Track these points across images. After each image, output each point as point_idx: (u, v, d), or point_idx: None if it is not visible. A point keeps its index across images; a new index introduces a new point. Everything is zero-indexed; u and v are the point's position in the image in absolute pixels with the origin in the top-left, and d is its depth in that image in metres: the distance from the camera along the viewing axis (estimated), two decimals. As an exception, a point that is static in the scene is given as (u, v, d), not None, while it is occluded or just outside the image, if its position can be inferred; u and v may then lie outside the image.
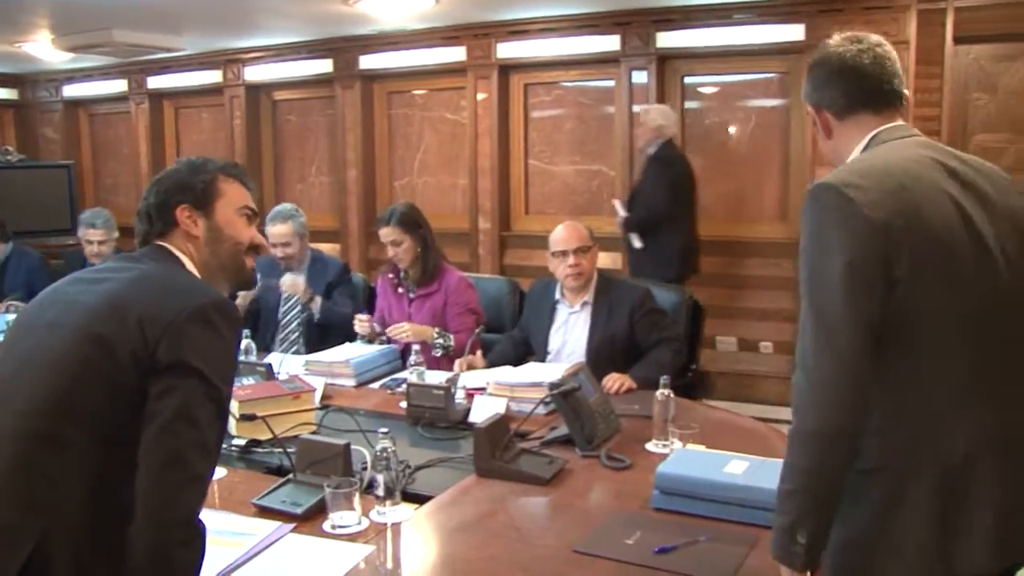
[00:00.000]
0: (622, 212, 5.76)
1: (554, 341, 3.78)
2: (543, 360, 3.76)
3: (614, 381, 3.37)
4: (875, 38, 1.81)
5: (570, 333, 3.76)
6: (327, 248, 6.45)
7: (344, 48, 7.40)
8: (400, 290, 4.12)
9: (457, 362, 3.65)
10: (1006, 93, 5.76)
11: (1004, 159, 5.75)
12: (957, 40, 5.68)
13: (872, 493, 1.66)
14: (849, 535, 1.68)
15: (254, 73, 7.90)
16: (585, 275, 3.68)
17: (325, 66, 7.55)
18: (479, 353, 3.81)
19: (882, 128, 1.77)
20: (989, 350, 1.65)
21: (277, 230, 4.33)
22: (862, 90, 1.78)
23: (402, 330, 3.86)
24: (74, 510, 1.58)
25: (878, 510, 1.65)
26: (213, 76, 8.11)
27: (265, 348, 4.16)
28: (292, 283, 4.26)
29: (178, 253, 1.90)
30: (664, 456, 2.54)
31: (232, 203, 2.00)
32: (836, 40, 1.82)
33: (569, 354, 3.69)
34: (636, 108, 6.42)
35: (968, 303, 1.63)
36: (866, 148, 1.77)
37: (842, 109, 1.81)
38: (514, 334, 3.98)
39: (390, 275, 4.18)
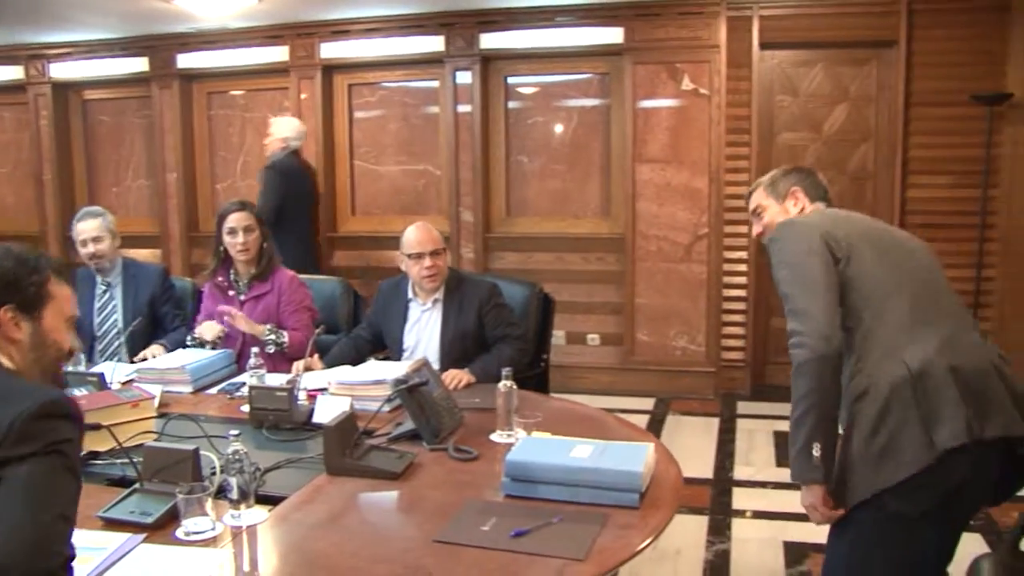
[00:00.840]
0: None
1: (409, 339, 3.84)
2: (399, 358, 3.82)
3: (453, 377, 3.46)
4: None
5: (423, 330, 3.83)
6: (146, 255, 6.27)
7: (160, 46, 7.16)
8: (231, 292, 4.07)
9: (295, 364, 3.65)
10: (806, 96, 6.22)
11: (806, 157, 6.20)
12: (763, 46, 6.10)
13: (867, 411, 2.24)
14: (857, 450, 2.25)
15: (61, 70, 7.51)
16: (440, 276, 3.77)
17: (140, 64, 7.28)
18: (316, 356, 3.81)
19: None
20: (916, 294, 2.34)
21: (86, 225, 4.21)
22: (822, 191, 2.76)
23: (236, 318, 3.85)
24: None
25: (875, 423, 2.22)
26: (14, 72, 7.64)
27: (88, 360, 4.01)
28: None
29: None
30: (509, 446, 2.64)
31: (61, 310, 1.93)
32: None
33: (424, 351, 3.76)
34: (461, 108, 6.56)
35: (892, 271, 2.37)
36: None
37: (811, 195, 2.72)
38: (360, 333, 4.01)
39: (219, 278, 4.10)
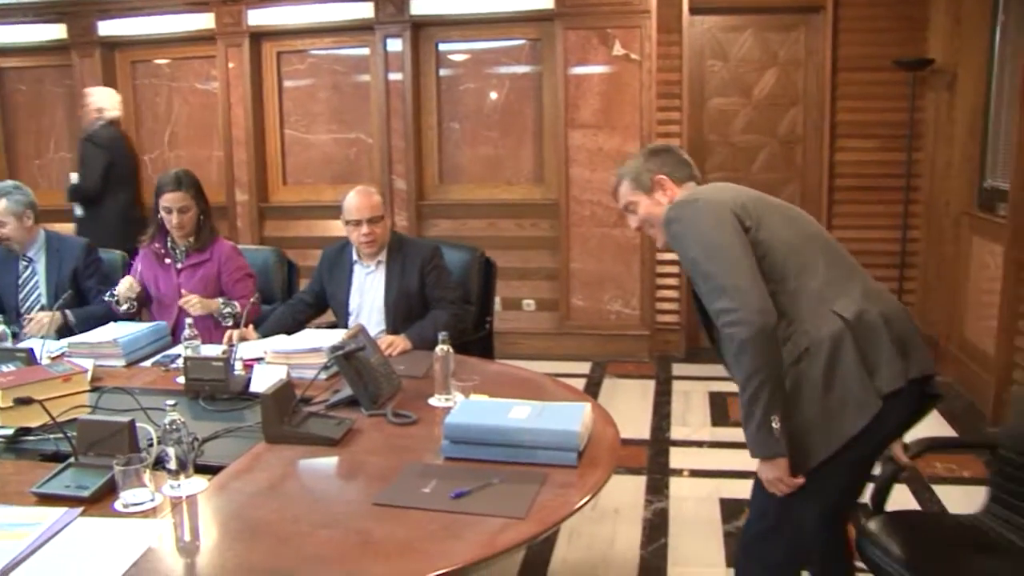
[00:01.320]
0: (73, 180, 6.24)
1: (354, 301, 3.87)
2: (345, 322, 3.84)
3: (388, 344, 3.47)
4: None
5: (367, 292, 3.86)
6: (72, 229, 6.10)
7: (79, 12, 6.94)
8: (167, 260, 4.01)
9: (227, 335, 3.62)
10: (736, 61, 6.28)
11: (737, 121, 6.27)
12: (693, 11, 6.15)
13: (813, 371, 2.26)
14: (810, 412, 2.27)
15: (-28, 37, 7.23)
16: (378, 242, 3.79)
17: (58, 31, 7.04)
18: (251, 326, 3.78)
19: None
20: (826, 251, 2.42)
21: None
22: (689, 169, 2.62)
23: (191, 303, 3.78)
24: None
25: (825, 380, 2.25)
26: (-80, 38, 7.34)
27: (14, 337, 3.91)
28: (37, 321, 3.94)
29: None
30: (448, 409, 2.66)
31: None
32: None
33: (368, 312, 3.81)
34: (392, 76, 6.51)
35: (799, 233, 2.42)
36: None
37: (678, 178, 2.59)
38: (302, 298, 4.02)
39: (155, 245, 4.04)
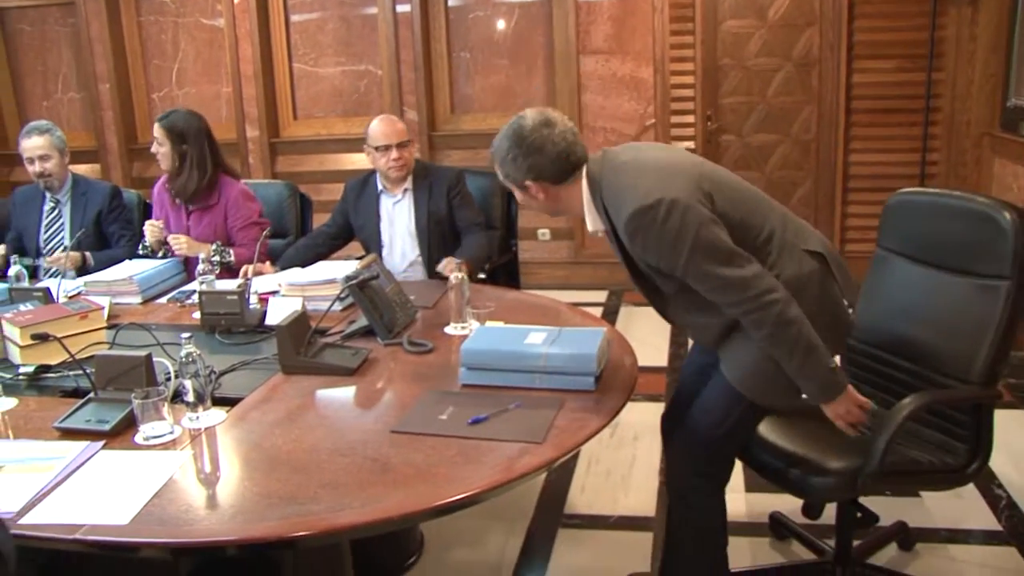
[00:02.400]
0: None
1: (384, 229, 3.86)
2: (380, 253, 3.82)
3: (451, 267, 3.37)
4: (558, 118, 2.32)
5: (396, 222, 3.85)
6: (85, 170, 6.09)
7: (82, -51, 6.85)
8: (177, 201, 3.99)
9: (243, 268, 3.60)
10: (749, -19, 6.14)
11: (751, 44, 6.16)
12: (705, -70, 5.98)
13: (804, 309, 2.21)
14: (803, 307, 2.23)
15: (-26, -22, 7.14)
16: (408, 167, 3.79)
17: (60, -30, 6.95)
18: (268, 261, 3.77)
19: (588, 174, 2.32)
20: (765, 200, 2.39)
21: (33, 143, 4.10)
22: (568, 163, 2.29)
23: (179, 242, 3.78)
24: None
25: (816, 311, 2.25)
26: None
27: (33, 276, 3.93)
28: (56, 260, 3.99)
29: None
30: (464, 337, 2.65)
31: None
32: (531, 124, 2.28)
33: (401, 242, 3.83)
34: (400, 7, 6.41)
35: (738, 187, 2.35)
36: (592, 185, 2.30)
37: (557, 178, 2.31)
38: (323, 230, 3.98)
39: (167, 184, 4.02)
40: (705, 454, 2.46)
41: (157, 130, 3.87)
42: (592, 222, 2.34)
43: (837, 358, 2.41)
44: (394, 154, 3.71)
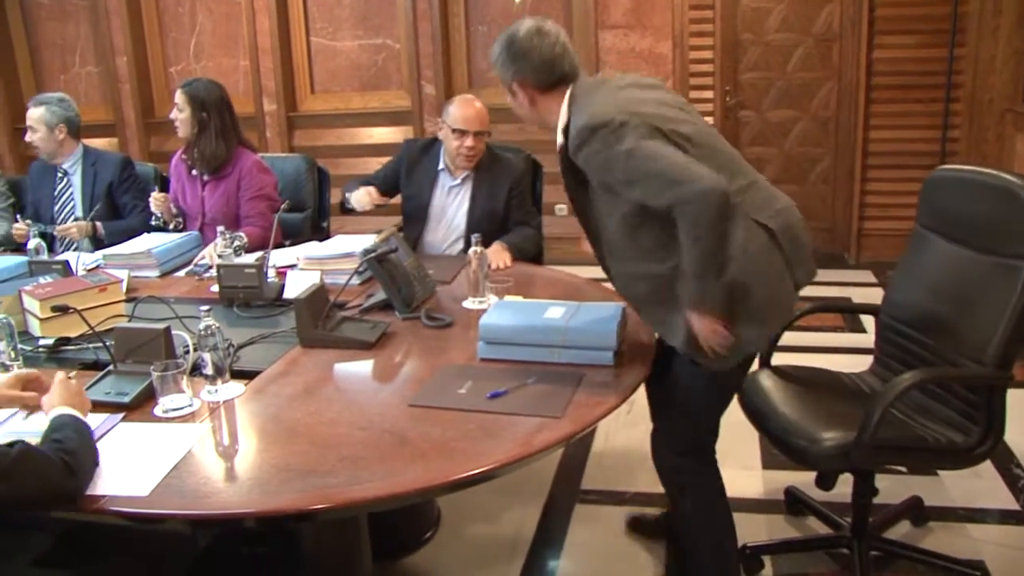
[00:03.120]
0: None
1: (434, 209, 3.77)
2: (423, 224, 3.77)
3: (498, 256, 3.41)
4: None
5: (450, 205, 3.76)
6: (103, 143, 6.11)
7: (100, -79, 6.83)
8: (194, 172, 3.98)
9: (361, 191, 3.65)
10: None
11: (771, 19, 6.10)
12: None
13: (750, 247, 2.22)
14: (735, 276, 2.19)
15: (-10, -52, 7.14)
16: (477, 158, 3.68)
17: (78, -58, 6.95)
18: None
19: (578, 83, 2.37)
20: (748, 180, 2.33)
21: (28, 113, 4.20)
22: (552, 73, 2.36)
23: (67, 230, 3.97)
24: None
25: (755, 256, 2.22)
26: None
27: (50, 249, 3.94)
28: (66, 229, 4.07)
29: None
30: (482, 311, 2.64)
31: None
32: (525, 31, 2.36)
33: (449, 223, 3.74)
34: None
35: (716, 157, 2.26)
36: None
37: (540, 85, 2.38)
38: (370, 183, 3.81)
39: (183, 155, 4.02)
40: (678, 433, 2.54)
41: (179, 96, 3.88)
42: (560, 137, 2.37)
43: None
44: (469, 142, 3.60)
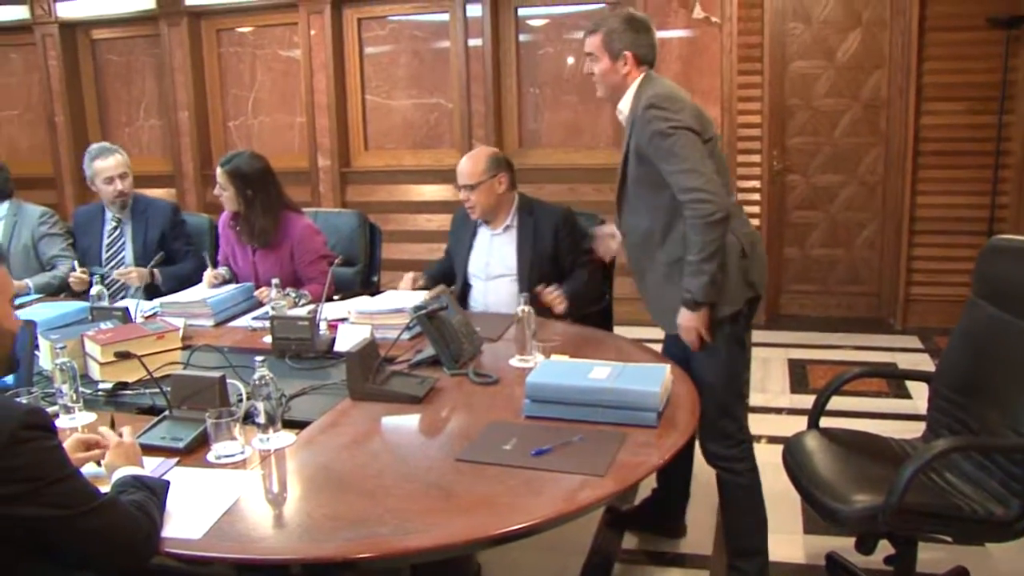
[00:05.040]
0: None
1: (474, 263, 3.83)
2: (464, 282, 3.84)
3: (553, 298, 3.52)
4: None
5: (494, 254, 3.80)
6: (161, 194, 6.28)
7: (167, -17, 7.10)
8: (244, 238, 4.02)
9: (405, 277, 3.74)
10: (818, 23, 6.15)
11: (819, 85, 6.16)
12: (774, -28, 6.00)
13: (731, 258, 2.85)
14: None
15: (68, 9, 7.43)
16: (479, 209, 3.72)
17: (147, 2, 7.20)
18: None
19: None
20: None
21: (112, 161, 4.23)
22: (653, 55, 2.98)
23: (128, 275, 4.05)
24: None
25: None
26: (20, 12, 7.55)
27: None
28: (126, 274, 4.16)
29: None
30: (529, 370, 2.68)
31: (5, 291, 1.95)
32: (641, 15, 3.01)
33: (498, 275, 3.77)
34: (472, 42, 6.53)
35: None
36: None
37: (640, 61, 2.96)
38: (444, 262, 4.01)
39: (231, 222, 4.07)
40: (724, 425, 2.98)
41: (220, 176, 3.88)
42: (628, 108, 2.95)
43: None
44: (462, 195, 3.72)
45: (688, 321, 2.86)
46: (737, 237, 2.85)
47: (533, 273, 3.69)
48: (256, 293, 3.84)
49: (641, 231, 3.00)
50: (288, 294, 3.51)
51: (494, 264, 3.80)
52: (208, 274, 3.95)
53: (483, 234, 3.85)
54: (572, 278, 3.69)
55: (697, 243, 2.75)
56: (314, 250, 3.99)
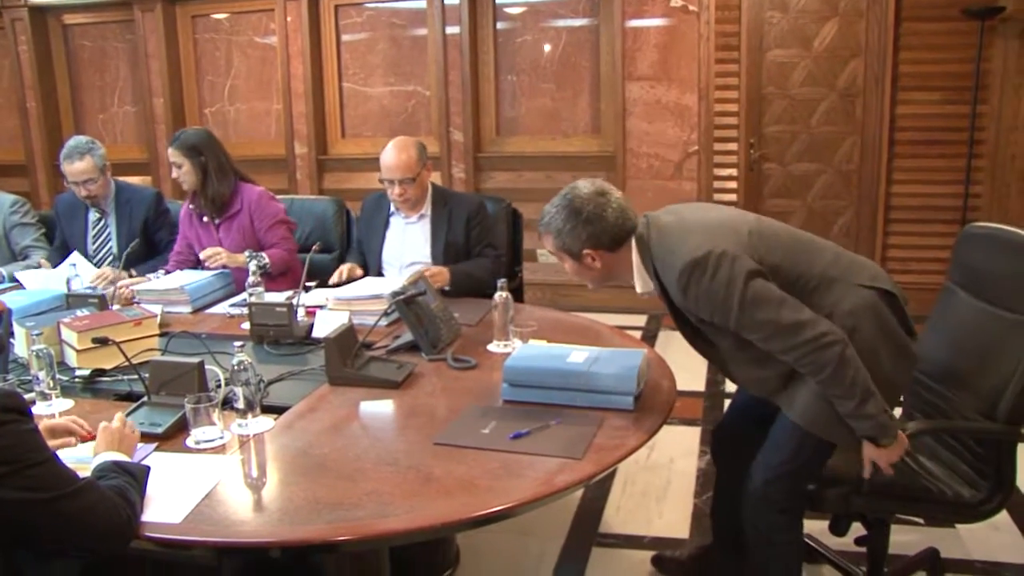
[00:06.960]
0: None
1: (388, 252, 3.86)
2: (377, 272, 3.85)
3: (434, 273, 3.51)
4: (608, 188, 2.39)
5: (407, 244, 3.84)
6: (136, 182, 6.22)
7: (142, -32, 7.04)
8: (205, 218, 4.05)
9: (340, 269, 3.72)
10: (796, 12, 6.17)
11: (796, 74, 6.18)
12: (751, -40, 6.03)
13: (864, 343, 2.26)
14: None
15: (38, -6, 7.34)
16: (411, 201, 3.76)
17: (121, -13, 7.15)
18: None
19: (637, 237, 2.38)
20: (812, 240, 2.45)
21: (76, 167, 4.16)
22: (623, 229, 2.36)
23: (216, 255, 3.83)
24: None
25: (880, 343, 2.32)
26: (-13, -3, 7.46)
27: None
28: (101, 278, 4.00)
29: None
30: (507, 355, 2.70)
31: None
32: (586, 194, 2.35)
33: (410, 263, 3.79)
34: (449, 29, 6.53)
35: (785, 232, 2.43)
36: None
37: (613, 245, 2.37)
38: (355, 251, 4.04)
39: (190, 205, 4.10)
40: (782, 490, 2.45)
41: (172, 154, 3.96)
42: (642, 284, 2.42)
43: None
44: (396, 189, 3.70)
45: (887, 455, 2.34)
46: (855, 311, 2.32)
47: (447, 261, 3.73)
48: (201, 255, 3.89)
49: (757, 380, 2.46)
50: (248, 256, 3.59)
51: (408, 253, 3.83)
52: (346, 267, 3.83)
53: (396, 223, 3.88)
54: (471, 263, 3.74)
55: (839, 392, 2.24)
56: (271, 214, 4.02)
